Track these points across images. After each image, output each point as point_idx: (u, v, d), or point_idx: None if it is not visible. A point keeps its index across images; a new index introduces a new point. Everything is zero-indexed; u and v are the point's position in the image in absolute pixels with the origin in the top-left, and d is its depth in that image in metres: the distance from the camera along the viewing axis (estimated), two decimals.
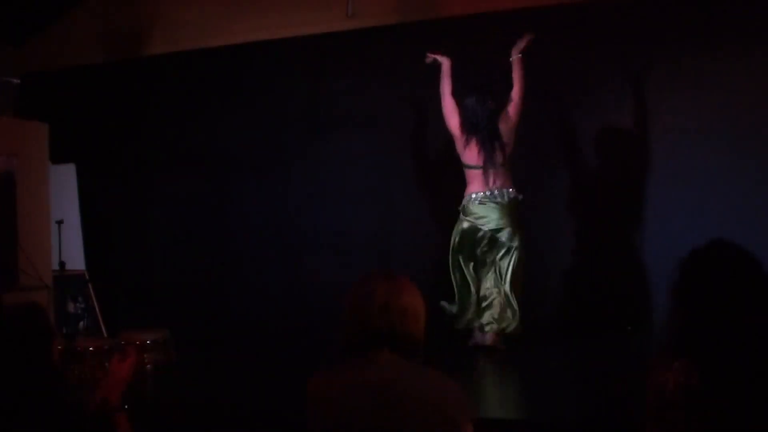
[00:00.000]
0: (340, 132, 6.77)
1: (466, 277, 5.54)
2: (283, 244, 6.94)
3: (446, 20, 6.35)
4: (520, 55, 5.54)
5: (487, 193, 5.46)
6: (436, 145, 6.41)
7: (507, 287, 5.41)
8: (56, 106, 7.14)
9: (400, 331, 2.11)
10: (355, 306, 2.15)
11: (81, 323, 6.30)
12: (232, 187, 7.11)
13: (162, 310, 6.51)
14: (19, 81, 7.60)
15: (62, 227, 6.21)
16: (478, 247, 5.51)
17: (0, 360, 2.38)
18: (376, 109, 6.61)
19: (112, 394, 2.48)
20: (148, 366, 4.82)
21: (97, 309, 6.39)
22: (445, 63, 5.65)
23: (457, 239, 5.56)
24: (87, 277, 6.48)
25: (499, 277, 5.45)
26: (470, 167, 5.53)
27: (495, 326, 5.42)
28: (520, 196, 5.52)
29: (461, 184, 5.62)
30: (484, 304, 5.49)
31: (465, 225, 5.52)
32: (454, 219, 5.65)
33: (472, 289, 5.52)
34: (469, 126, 5.51)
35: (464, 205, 5.55)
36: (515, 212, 5.50)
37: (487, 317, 5.46)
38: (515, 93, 5.55)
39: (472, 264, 5.56)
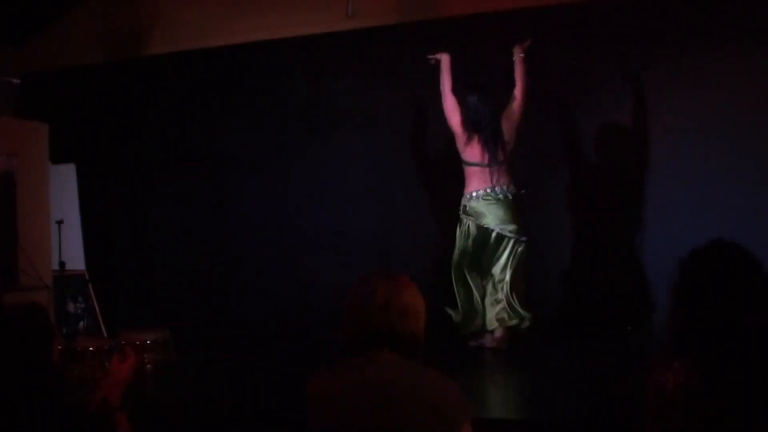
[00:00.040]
0: (340, 132, 6.77)
1: (470, 291, 5.52)
2: (283, 244, 6.94)
3: (446, 20, 6.35)
4: (522, 55, 5.56)
5: (488, 189, 5.47)
6: (436, 145, 6.41)
7: (508, 287, 5.42)
8: (56, 106, 7.14)
9: (401, 331, 2.11)
10: (355, 306, 2.15)
11: (81, 323, 6.30)
12: (232, 187, 7.11)
13: (162, 310, 6.51)
14: (19, 81, 7.60)
15: (62, 227, 6.21)
16: (485, 251, 5.50)
17: (0, 360, 2.38)
18: (376, 109, 6.61)
19: (112, 394, 2.48)
20: (148, 366, 4.82)
21: (97, 309, 6.39)
22: (445, 58, 5.66)
23: (460, 249, 5.54)
24: (87, 277, 6.48)
25: (503, 274, 5.45)
26: (471, 164, 5.53)
27: (502, 325, 5.43)
28: (522, 191, 5.53)
29: (461, 184, 5.62)
30: (488, 306, 5.48)
31: (472, 229, 5.50)
32: (454, 219, 5.65)
33: (476, 298, 5.51)
34: (471, 124, 5.52)
35: (464, 204, 5.55)
36: (517, 208, 5.51)
37: (492, 320, 5.46)
38: (518, 92, 5.56)
39: (475, 272, 5.54)
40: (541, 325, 5.55)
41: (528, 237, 5.50)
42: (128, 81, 7.36)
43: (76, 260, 6.57)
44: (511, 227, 5.45)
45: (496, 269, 5.49)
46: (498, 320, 5.44)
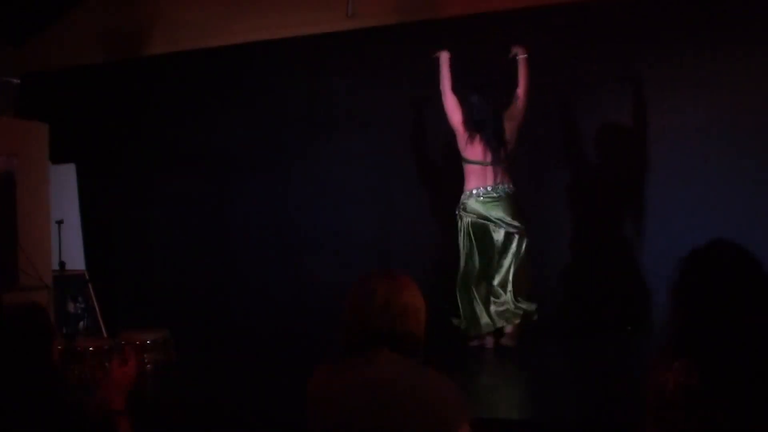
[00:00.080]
0: (340, 132, 6.77)
1: (473, 300, 5.51)
2: (283, 244, 6.94)
3: (446, 20, 6.35)
4: (525, 57, 5.56)
5: (489, 188, 5.48)
6: (435, 144, 6.42)
7: (512, 286, 5.43)
8: (56, 106, 7.13)
9: (401, 330, 2.11)
10: (355, 305, 2.15)
11: (81, 323, 6.30)
12: (232, 187, 7.11)
13: (162, 310, 6.51)
14: (19, 81, 7.60)
15: (62, 227, 6.21)
16: (488, 250, 5.50)
17: (0, 360, 2.38)
18: (376, 109, 6.61)
19: (115, 397, 2.47)
20: (148, 366, 4.83)
21: (97, 309, 6.39)
22: (443, 57, 5.66)
23: (465, 258, 5.53)
24: (87, 277, 6.48)
25: (507, 274, 5.45)
26: (472, 163, 5.54)
27: (509, 324, 5.45)
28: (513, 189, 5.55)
29: (461, 184, 5.62)
30: (492, 309, 5.48)
31: (471, 227, 5.50)
32: (454, 219, 5.65)
33: (480, 306, 5.49)
34: (473, 123, 5.53)
35: (464, 202, 5.55)
36: (517, 205, 5.52)
37: (498, 320, 5.46)
38: (520, 92, 5.57)
39: (480, 280, 5.53)
40: (541, 325, 5.55)
41: (529, 234, 5.50)
42: (128, 81, 7.36)
43: (76, 260, 6.57)
44: (513, 223, 5.46)
45: (500, 269, 5.48)
46: (505, 319, 5.44)
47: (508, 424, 3.74)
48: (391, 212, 6.68)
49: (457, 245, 5.62)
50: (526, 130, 5.67)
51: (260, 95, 6.99)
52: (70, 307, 6.31)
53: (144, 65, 7.34)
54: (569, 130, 6.31)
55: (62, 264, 6.17)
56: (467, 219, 5.53)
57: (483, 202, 5.49)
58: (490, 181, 5.49)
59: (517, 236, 5.46)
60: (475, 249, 5.52)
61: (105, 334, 6.12)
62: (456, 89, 5.63)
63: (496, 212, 5.47)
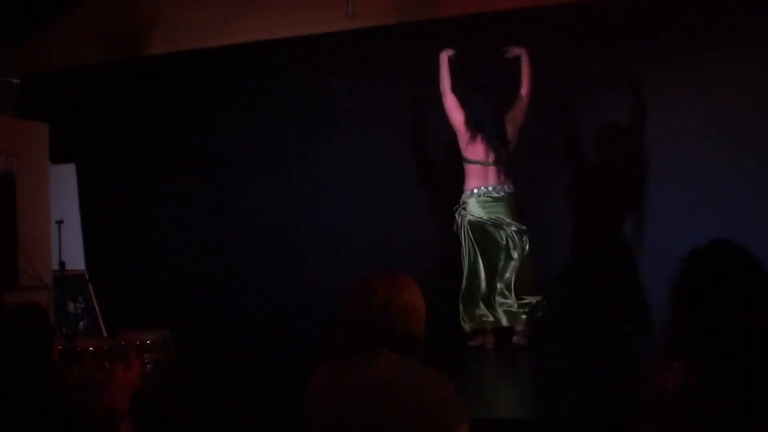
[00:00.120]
0: (340, 132, 6.77)
1: (479, 308, 5.51)
2: (283, 244, 6.94)
3: (446, 20, 6.35)
4: (528, 59, 5.56)
5: (489, 188, 5.48)
6: (436, 144, 6.42)
7: (513, 287, 5.43)
8: (56, 106, 7.14)
9: (401, 330, 2.11)
10: (355, 305, 2.15)
11: (81, 323, 6.30)
12: (232, 187, 7.11)
13: (162, 310, 6.51)
14: (19, 81, 7.60)
15: (62, 227, 6.21)
16: (489, 250, 5.50)
17: (0, 360, 2.38)
18: (376, 109, 6.61)
19: (120, 401, 2.47)
20: (148, 366, 4.83)
21: (97, 309, 6.39)
22: (443, 55, 5.65)
23: (467, 233, 5.53)
24: (87, 277, 6.48)
25: (510, 274, 5.45)
26: (473, 162, 5.54)
27: (518, 324, 5.45)
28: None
29: (461, 184, 5.62)
30: (498, 306, 5.48)
31: (470, 226, 5.51)
32: (454, 219, 5.65)
33: (484, 310, 5.50)
34: (474, 122, 5.52)
35: (464, 201, 5.55)
36: (517, 205, 5.52)
37: (508, 320, 5.46)
38: (524, 93, 5.56)
39: (483, 259, 5.53)
40: (542, 325, 5.55)
41: (529, 234, 5.50)
42: (128, 81, 7.36)
43: (76, 260, 6.57)
44: (516, 224, 5.46)
45: (504, 272, 5.47)
46: (512, 319, 5.44)
47: (508, 424, 3.74)
48: (391, 212, 6.68)
49: (459, 248, 5.61)
50: (526, 130, 5.67)
51: (260, 95, 6.99)
52: (70, 307, 6.31)
53: (144, 65, 7.34)
54: (569, 130, 6.31)
55: (62, 264, 6.17)
56: (467, 218, 5.53)
57: (483, 203, 5.49)
58: (491, 181, 5.50)
59: (520, 238, 5.46)
60: (477, 252, 5.50)
61: (105, 334, 6.12)
62: (456, 89, 5.63)
63: (497, 214, 5.46)
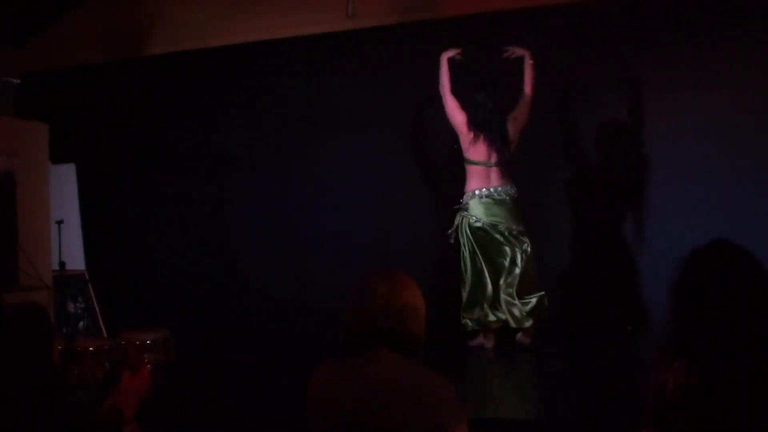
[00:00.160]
0: (340, 132, 6.77)
1: (481, 271, 5.49)
2: (283, 244, 6.94)
3: (446, 20, 6.35)
4: (531, 62, 5.55)
5: (491, 189, 5.48)
6: (436, 144, 6.42)
7: (515, 289, 5.42)
8: (56, 106, 7.14)
9: (400, 330, 2.11)
10: (355, 305, 2.15)
11: (81, 323, 6.30)
12: (232, 187, 7.11)
13: (162, 310, 6.51)
14: (19, 81, 7.60)
15: (62, 227, 6.20)
16: (491, 251, 5.50)
17: (0, 360, 2.38)
18: (376, 109, 6.61)
19: (125, 406, 2.46)
20: (148, 366, 4.82)
21: (97, 309, 6.39)
22: (443, 57, 5.64)
23: (468, 235, 5.52)
24: (87, 277, 6.48)
25: (512, 276, 5.45)
26: (475, 163, 5.53)
27: (523, 326, 5.45)
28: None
29: (461, 184, 5.62)
30: (504, 306, 5.47)
31: (472, 227, 5.50)
32: (454, 219, 5.65)
33: (488, 312, 5.49)
34: (477, 123, 5.50)
35: (467, 202, 5.54)
36: (519, 208, 5.52)
37: (513, 320, 5.46)
38: (527, 96, 5.55)
39: (486, 261, 5.52)
40: (542, 325, 5.55)
41: (530, 236, 5.50)
42: (128, 81, 7.36)
43: (76, 260, 6.56)
44: (517, 227, 5.45)
45: (509, 276, 5.46)
46: (518, 320, 5.44)
47: (508, 424, 3.74)
48: (391, 212, 6.68)
49: (457, 248, 5.60)
50: (526, 130, 5.66)
51: (260, 95, 6.99)
52: (70, 307, 6.31)
53: (144, 65, 7.34)
54: (569, 130, 6.30)
55: (62, 264, 6.17)
56: (468, 220, 5.51)
57: (485, 204, 5.48)
58: (493, 182, 5.49)
59: (522, 242, 5.45)
60: (480, 255, 5.49)
61: (105, 334, 6.12)
62: (457, 89, 5.62)
63: (499, 218, 5.45)
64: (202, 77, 7.15)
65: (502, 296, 5.46)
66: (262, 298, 6.78)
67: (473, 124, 5.52)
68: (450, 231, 5.64)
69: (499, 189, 5.48)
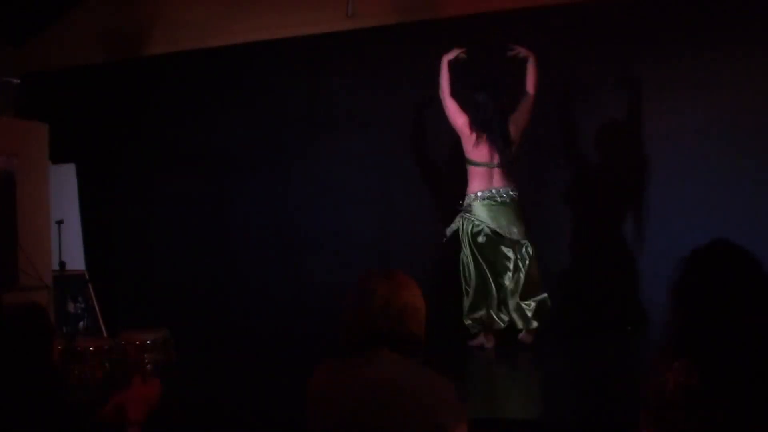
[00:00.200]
0: (340, 132, 6.77)
1: (484, 274, 5.48)
2: (283, 244, 6.94)
3: (446, 20, 6.35)
4: (534, 63, 5.54)
5: (493, 191, 5.47)
6: (436, 144, 6.42)
7: (520, 292, 5.42)
8: (56, 106, 7.13)
9: (400, 330, 2.11)
10: (355, 305, 2.15)
11: (81, 323, 6.30)
12: (232, 187, 7.11)
13: (162, 310, 6.51)
14: (19, 81, 7.60)
15: (62, 227, 6.20)
16: (493, 253, 5.49)
17: (0, 360, 2.38)
18: (376, 109, 6.61)
19: (133, 411, 2.46)
20: (148, 366, 4.82)
21: (97, 309, 6.39)
22: (444, 59, 5.64)
23: (470, 237, 5.51)
24: (87, 277, 6.48)
25: (516, 278, 5.44)
26: (477, 164, 5.52)
27: (529, 328, 5.45)
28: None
29: (461, 184, 5.62)
30: (511, 307, 5.47)
31: (474, 228, 5.49)
32: (453, 219, 5.65)
33: (492, 286, 5.48)
34: (479, 123, 5.49)
35: (468, 204, 5.54)
36: (521, 210, 5.52)
37: (519, 321, 5.45)
38: (529, 96, 5.55)
39: (489, 265, 5.52)
40: (542, 325, 5.55)
41: (531, 239, 5.50)
42: (128, 81, 7.36)
43: (76, 260, 6.56)
44: (519, 231, 5.44)
45: (513, 281, 5.46)
46: (527, 323, 5.43)
47: (508, 424, 3.74)
48: (391, 212, 6.68)
49: (456, 248, 5.60)
50: (526, 130, 5.66)
51: (260, 95, 6.99)
52: (70, 307, 6.31)
53: (144, 65, 7.34)
54: (569, 130, 6.30)
55: (62, 264, 6.16)
56: (472, 223, 5.50)
57: (488, 206, 5.46)
58: (495, 183, 5.48)
59: (524, 247, 5.45)
60: (483, 262, 5.47)
61: (105, 334, 6.12)
62: (457, 90, 5.61)
63: (501, 221, 5.44)
64: (202, 77, 7.15)
65: (509, 301, 5.45)
66: (262, 298, 6.78)
67: (475, 125, 5.50)
68: (447, 229, 5.63)
69: (502, 190, 5.48)
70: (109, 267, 7.05)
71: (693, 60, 5.83)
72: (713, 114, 5.77)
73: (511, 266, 5.45)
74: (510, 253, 5.45)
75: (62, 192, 6.70)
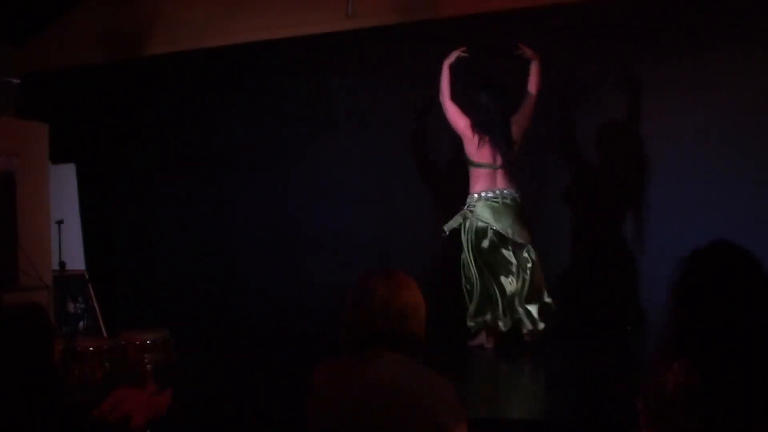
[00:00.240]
0: (340, 132, 6.77)
1: (487, 279, 5.48)
2: (283, 244, 6.94)
3: (446, 20, 6.35)
4: (538, 65, 5.53)
5: (497, 192, 5.46)
6: (436, 144, 6.42)
7: (525, 293, 5.42)
8: (56, 106, 7.13)
9: (400, 330, 2.11)
10: (355, 305, 2.15)
11: (81, 323, 6.29)
12: (232, 187, 7.11)
13: (162, 310, 6.51)
14: (19, 81, 7.60)
15: (62, 227, 6.20)
16: (494, 255, 5.49)
17: (0, 360, 2.38)
18: (376, 109, 6.61)
19: (139, 415, 2.46)
20: (148, 366, 4.82)
21: (97, 309, 6.39)
22: (444, 64, 5.63)
23: (472, 248, 5.50)
24: (87, 277, 6.48)
25: (520, 280, 5.44)
26: (480, 166, 5.50)
27: (535, 330, 5.45)
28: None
29: (462, 184, 5.62)
30: (516, 309, 5.46)
31: (477, 230, 5.48)
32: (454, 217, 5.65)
33: (495, 290, 5.47)
34: (482, 125, 5.47)
35: (473, 205, 5.52)
36: (523, 212, 5.51)
37: (529, 322, 5.45)
38: (532, 98, 5.55)
39: (491, 270, 5.51)
40: (548, 327, 5.54)
41: (533, 241, 5.50)
42: (128, 81, 7.36)
43: (76, 260, 6.56)
44: (522, 234, 5.44)
45: (517, 284, 5.45)
46: (533, 324, 5.43)
47: (508, 424, 3.74)
48: (391, 212, 6.68)
49: (456, 247, 5.60)
50: (528, 130, 5.66)
51: (260, 95, 6.99)
52: (70, 307, 6.31)
53: (144, 65, 7.34)
54: (569, 130, 6.30)
55: (62, 264, 6.16)
56: (475, 224, 5.48)
57: (491, 207, 5.45)
58: (498, 184, 5.48)
59: (527, 251, 5.44)
60: (486, 264, 5.46)
61: (105, 334, 6.12)
62: (457, 90, 5.61)
63: (504, 224, 5.43)
64: (202, 77, 7.15)
65: (513, 305, 5.44)
66: (262, 298, 6.78)
67: (478, 126, 5.49)
68: (445, 225, 5.62)
69: (505, 192, 5.47)
70: (109, 267, 7.05)
71: (693, 60, 5.83)
72: (713, 114, 5.77)
73: (514, 270, 5.44)
74: (512, 258, 5.44)
75: (62, 192, 6.69)
